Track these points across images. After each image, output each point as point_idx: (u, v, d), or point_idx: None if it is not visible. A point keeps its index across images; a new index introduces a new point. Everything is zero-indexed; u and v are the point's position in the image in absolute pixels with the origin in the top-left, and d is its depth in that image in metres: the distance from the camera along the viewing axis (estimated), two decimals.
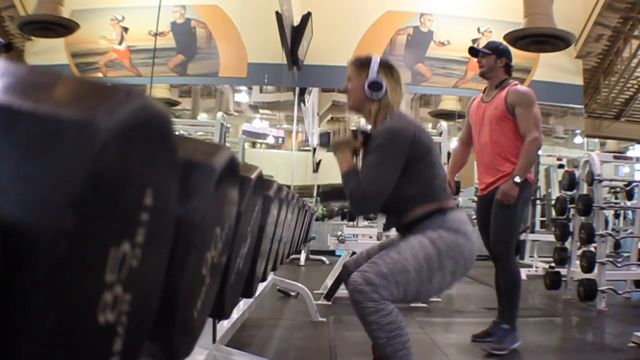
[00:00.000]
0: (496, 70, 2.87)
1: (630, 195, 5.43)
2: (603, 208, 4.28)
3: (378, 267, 1.62)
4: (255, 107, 12.84)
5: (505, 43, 2.98)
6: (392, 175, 1.72)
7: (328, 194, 1.99)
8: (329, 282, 4.14)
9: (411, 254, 1.64)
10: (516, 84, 2.88)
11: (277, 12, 6.65)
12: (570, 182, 4.55)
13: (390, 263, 1.63)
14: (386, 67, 1.85)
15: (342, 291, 4.05)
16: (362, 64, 1.86)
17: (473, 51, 2.95)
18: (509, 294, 2.80)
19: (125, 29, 9.28)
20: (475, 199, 12.12)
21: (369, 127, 1.90)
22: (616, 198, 7.18)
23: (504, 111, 2.82)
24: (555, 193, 7.93)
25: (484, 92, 3.02)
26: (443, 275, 1.67)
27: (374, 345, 2.07)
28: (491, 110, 2.87)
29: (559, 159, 7.55)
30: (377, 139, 1.77)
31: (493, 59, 2.87)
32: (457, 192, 7.63)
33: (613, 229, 7.45)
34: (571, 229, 4.52)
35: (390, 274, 1.61)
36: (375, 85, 1.81)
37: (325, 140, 1.90)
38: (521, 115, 2.77)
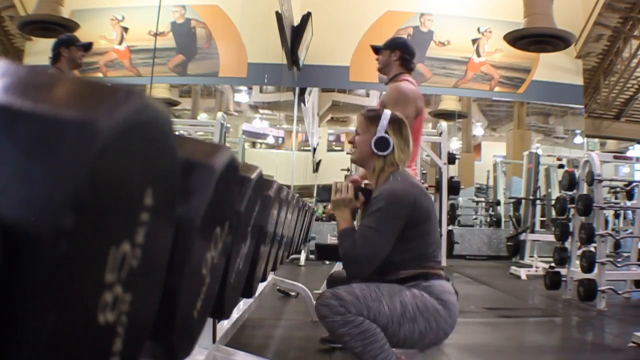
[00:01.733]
0: (390, 64, 2.74)
1: (630, 195, 5.43)
2: (603, 208, 4.28)
3: (351, 289, 1.61)
4: (255, 107, 12.86)
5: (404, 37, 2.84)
6: (389, 241, 1.68)
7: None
8: None
9: (388, 293, 1.62)
10: (401, 80, 2.69)
11: (277, 12, 6.65)
12: (570, 182, 4.55)
13: (365, 289, 1.61)
14: (396, 123, 1.81)
15: None
16: (371, 118, 1.81)
17: (374, 49, 2.83)
18: None
19: (125, 29, 9.28)
20: (475, 198, 11.99)
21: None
22: (616, 198, 7.18)
23: None
24: (555, 193, 7.93)
25: None
26: (412, 330, 1.61)
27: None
28: None
29: (559, 159, 7.56)
30: (377, 202, 1.71)
31: (387, 54, 2.76)
32: (457, 192, 7.65)
33: (613, 229, 7.46)
34: (571, 229, 4.53)
35: (362, 297, 1.59)
36: (383, 143, 1.77)
37: (325, 197, 1.87)
38: None
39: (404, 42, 2.83)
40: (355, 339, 1.55)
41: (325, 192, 1.89)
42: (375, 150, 1.77)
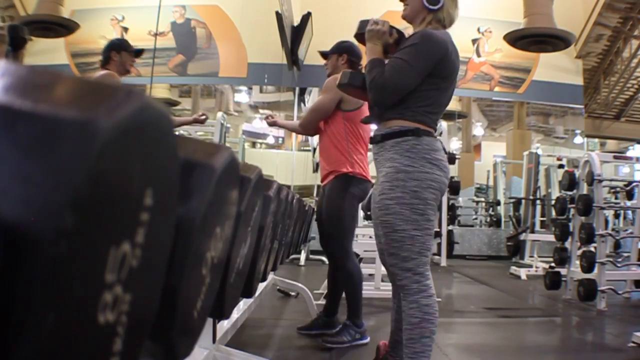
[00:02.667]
0: (338, 67, 2.82)
1: (630, 195, 5.43)
2: (603, 208, 4.28)
3: (400, 255, 1.72)
4: (255, 107, 12.84)
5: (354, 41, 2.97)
6: (416, 76, 1.74)
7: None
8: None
9: (403, 221, 1.71)
10: None
11: (277, 12, 6.66)
12: (570, 182, 4.55)
13: (400, 246, 1.72)
14: None
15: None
16: None
17: (322, 55, 2.96)
18: (346, 293, 2.76)
19: (125, 29, 9.28)
20: (475, 198, 11.93)
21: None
22: (616, 198, 7.18)
23: None
24: (555, 193, 7.93)
25: None
26: (432, 206, 1.74)
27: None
28: None
29: (559, 159, 7.55)
30: (412, 39, 1.79)
31: (335, 58, 2.87)
32: (457, 192, 7.62)
33: (613, 229, 7.45)
34: (571, 229, 4.52)
35: (411, 253, 1.71)
36: None
37: (363, 28, 1.91)
38: None
39: (350, 45, 2.91)
40: (420, 310, 1.70)
41: (363, 24, 1.93)
42: (427, 4, 1.85)
